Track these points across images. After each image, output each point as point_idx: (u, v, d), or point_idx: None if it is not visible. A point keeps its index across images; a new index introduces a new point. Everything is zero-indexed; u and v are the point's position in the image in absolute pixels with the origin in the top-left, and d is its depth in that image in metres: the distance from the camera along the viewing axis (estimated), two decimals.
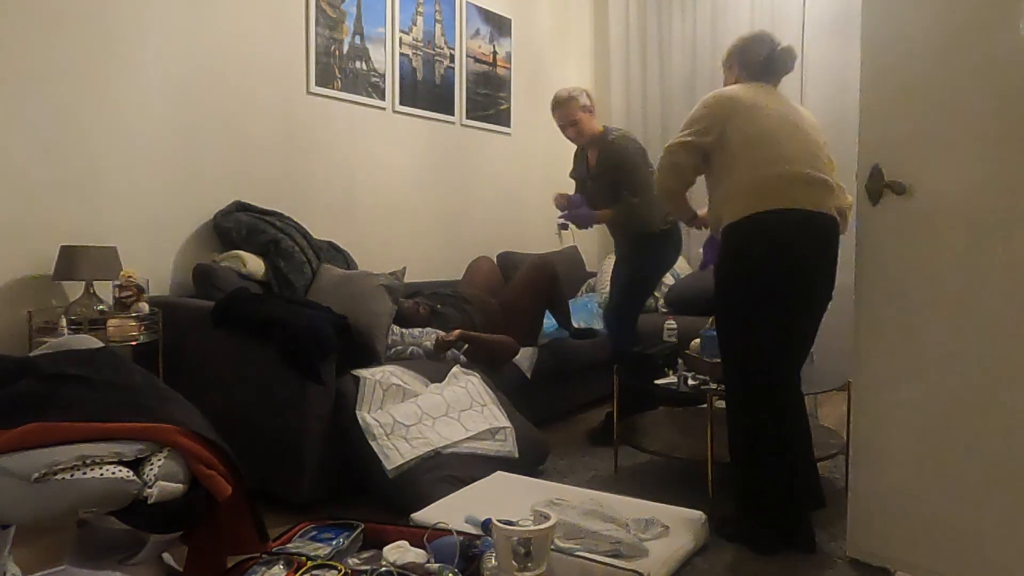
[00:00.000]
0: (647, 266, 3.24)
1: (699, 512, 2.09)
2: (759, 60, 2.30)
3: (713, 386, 2.53)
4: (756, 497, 2.12)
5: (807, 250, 2.10)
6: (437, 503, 2.17)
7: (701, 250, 2.54)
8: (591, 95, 3.29)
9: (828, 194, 2.14)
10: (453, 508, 2.10)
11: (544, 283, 3.50)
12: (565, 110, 3.22)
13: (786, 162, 2.07)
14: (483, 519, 1.93)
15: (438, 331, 3.08)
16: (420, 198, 4.08)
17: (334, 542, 1.88)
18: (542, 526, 1.62)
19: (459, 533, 1.84)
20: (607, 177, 3.18)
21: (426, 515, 2.08)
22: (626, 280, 3.23)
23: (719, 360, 2.62)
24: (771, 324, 2.10)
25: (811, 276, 2.13)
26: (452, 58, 4.20)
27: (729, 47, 2.40)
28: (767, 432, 2.10)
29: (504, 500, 2.15)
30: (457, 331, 3.01)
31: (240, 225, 3.00)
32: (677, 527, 2.02)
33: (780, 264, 2.06)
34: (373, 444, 2.34)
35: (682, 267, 4.50)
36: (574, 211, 3.21)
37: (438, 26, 4.10)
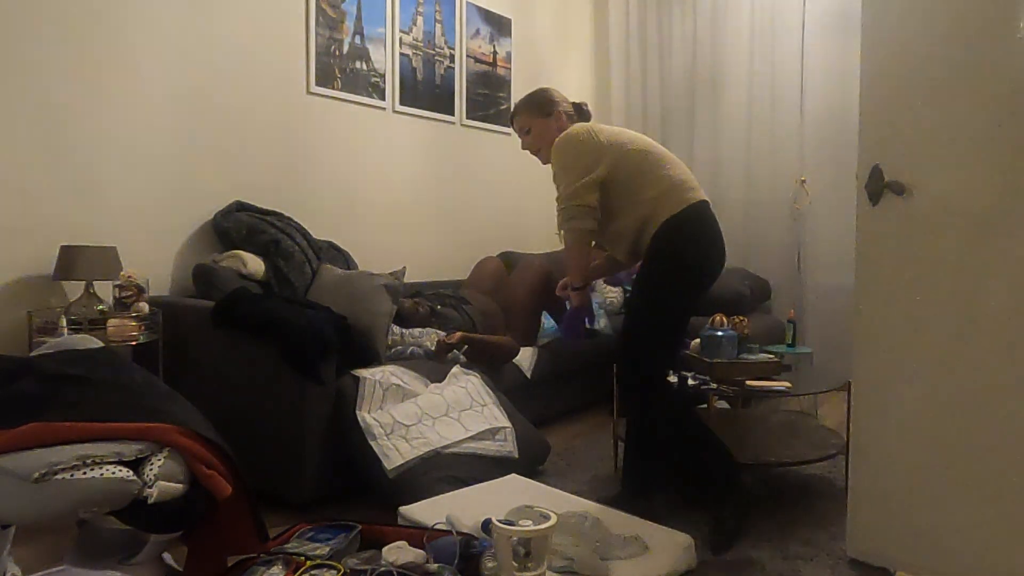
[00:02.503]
0: None
1: (686, 536, 1.99)
2: (572, 109, 2.44)
3: (713, 386, 2.53)
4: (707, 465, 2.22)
5: (719, 234, 2.25)
6: (425, 501, 2.18)
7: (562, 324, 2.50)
8: None
9: None
10: (440, 507, 2.10)
11: (539, 283, 3.52)
12: None
13: (676, 166, 2.23)
14: (453, 520, 1.93)
15: (438, 331, 3.08)
16: (420, 198, 4.08)
17: (332, 542, 1.88)
18: (542, 526, 1.62)
19: (458, 533, 1.84)
20: None
21: (414, 510, 2.10)
22: None
23: (717, 360, 2.62)
24: (693, 303, 2.22)
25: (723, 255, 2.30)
26: (452, 58, 4.20)
27: (545, 102, 2.39)
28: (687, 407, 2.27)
29: (489, 502, 2.14)
30: (459, 333, 3.01)
31: (240, 225, 3.00)
32: (659, 548, 1.94)
33: (717, 246, 2.21)
34: (373, 444, 2.34)
35: None
36: None
37: (438, 26, 4.11)
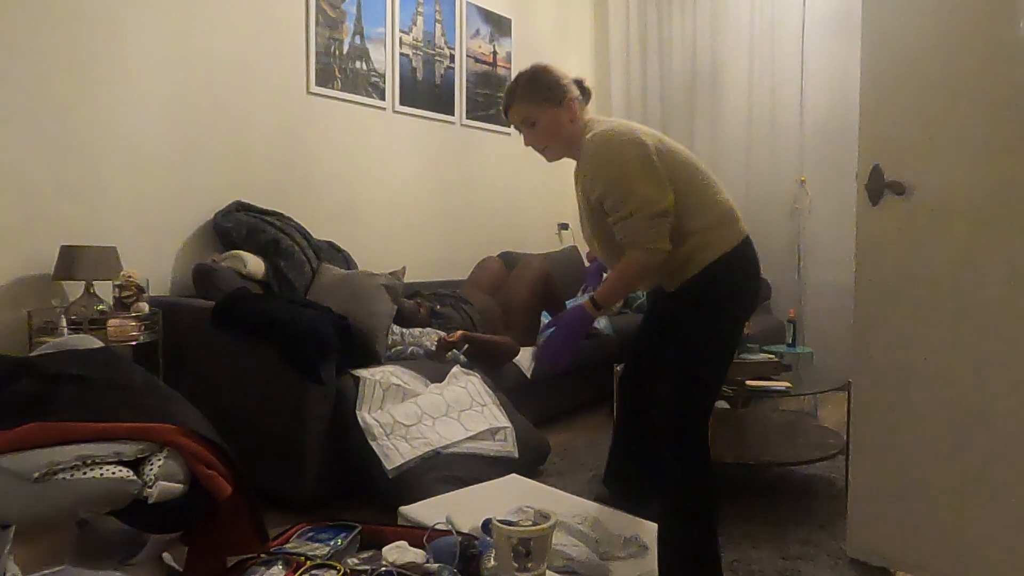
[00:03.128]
0: None
1: None
2: (579, 92, 1.94)
3: None
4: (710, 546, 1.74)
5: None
6: (425, 501, 2.18)
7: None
8: None
9: None
10: (440, 507, 2.10)
11: (538, 283, 3.53)
12: None
13: (722, 190, 1.85)
14: (453, 520, 1.93)
15: (438, 331, 3.08)
16: (420, 198, 4.08)
17: (332, 542, 1.88)
18: (542, 526, 1.62)
19: (458, 533, 1.84)
20: None
21: (414, 510, 2.10)
22: None
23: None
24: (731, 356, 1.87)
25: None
26: (452, 58, 4.20)
27: (552, 86, 1.87)
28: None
29: (489, 502, 2.14)
30: (459, 332, 3.01)
31: (240, 225, 3.00)
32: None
33: (756, 291, 1.87)
34: (373, 444, 2.34)
35: None
36: None
37: (438, 26, 4.10)
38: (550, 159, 1.97)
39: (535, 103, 1.87)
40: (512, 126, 1.97)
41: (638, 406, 2.13)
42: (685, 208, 1.75)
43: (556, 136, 1.88)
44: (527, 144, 1.94)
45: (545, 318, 3.64)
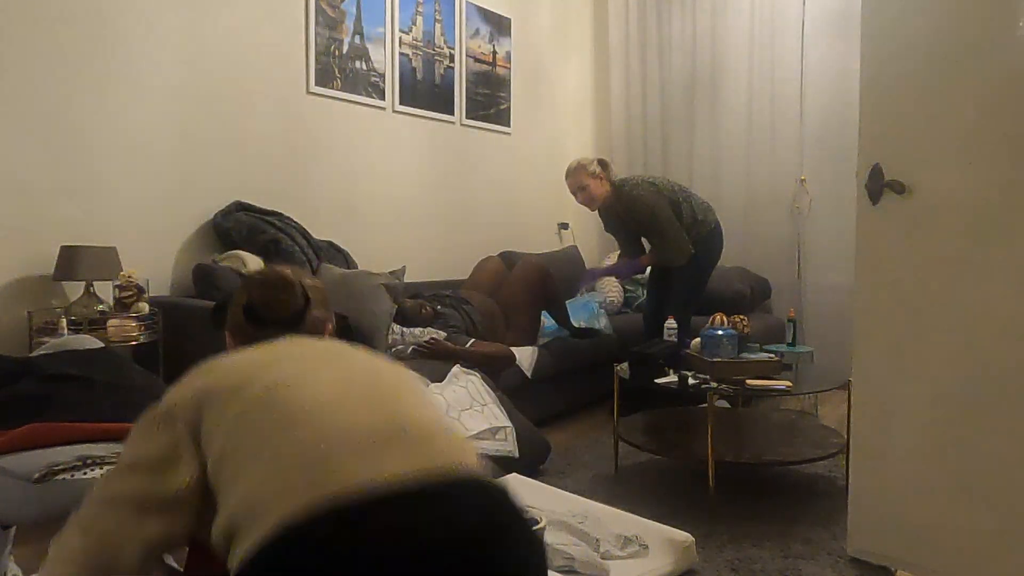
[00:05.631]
0: (701, 265, 3.49)
1: (686, 534, 1.97)
2: None
3: (714, 385, 2.53)
4: None
5: None
6: None
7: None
8: (604, 162, 3.50)
9: None
10: None
11: (537, 282, 3.52)
12: (574, 177, 3.46)
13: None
14: None
15: (438, 331, 3.08)
16: (420, 198, 4.08)
17: None
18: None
19: None
20: (642, 224, 3.44)
21: None
22: (690, 281, 3.50)
23: (717, 359, 2.60)
24: None
25: None
26: (452, 58, 4.20)
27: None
28: None
29: None
30: (432, 339, 2.97)
31: (240, 225, 3.00)
32: (659, 548, 1.94)
33: None
34: None
35: None
36: (623, 271, 3.67)
37: (438, 26, 4.10)
38: None
39: None
40: None
41: None
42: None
43: None
44: None
45: (546, 317, 3.63)
